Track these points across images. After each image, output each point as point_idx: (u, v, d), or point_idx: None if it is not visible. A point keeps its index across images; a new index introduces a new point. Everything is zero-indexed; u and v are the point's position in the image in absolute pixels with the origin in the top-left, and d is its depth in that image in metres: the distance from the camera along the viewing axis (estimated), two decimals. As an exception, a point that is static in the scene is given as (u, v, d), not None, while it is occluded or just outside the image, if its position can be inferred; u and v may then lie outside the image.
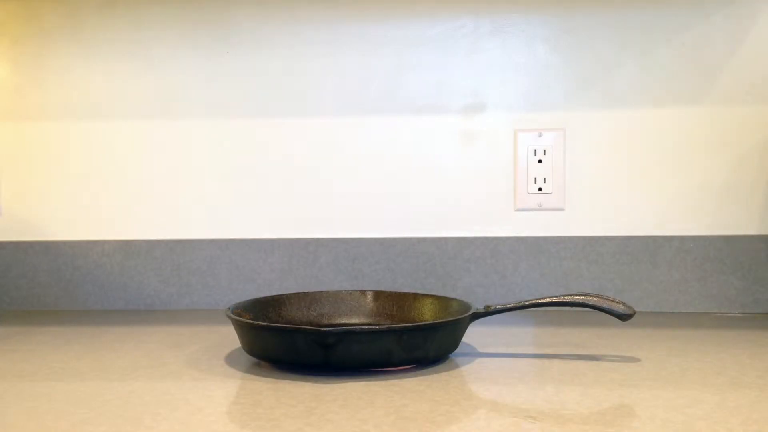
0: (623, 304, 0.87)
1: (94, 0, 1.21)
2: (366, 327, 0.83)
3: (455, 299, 0.95)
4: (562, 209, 1.18)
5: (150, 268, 1.22)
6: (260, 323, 0.85)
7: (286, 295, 1.00)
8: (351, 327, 0.82)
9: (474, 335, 0.96)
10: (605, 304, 0.87)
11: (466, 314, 0.86)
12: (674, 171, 1.16)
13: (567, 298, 0.88)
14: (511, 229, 1.18)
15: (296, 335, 0.79)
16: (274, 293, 1.18)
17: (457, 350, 0.88)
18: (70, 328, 1.08)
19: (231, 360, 0.87)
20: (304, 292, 1.01)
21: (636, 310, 0.87)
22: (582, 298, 0.88)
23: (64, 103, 1.23)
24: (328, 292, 1.01)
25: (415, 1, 1.18)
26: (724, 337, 0.97)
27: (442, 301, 0.96)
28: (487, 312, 0.89)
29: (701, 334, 0.99)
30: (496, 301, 1.16)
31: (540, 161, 1.17)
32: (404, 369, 0.81)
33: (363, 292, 1.01)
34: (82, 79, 1.22)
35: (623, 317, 0.86)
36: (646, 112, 1.16)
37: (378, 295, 1.00)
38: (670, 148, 1.16)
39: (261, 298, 0.97)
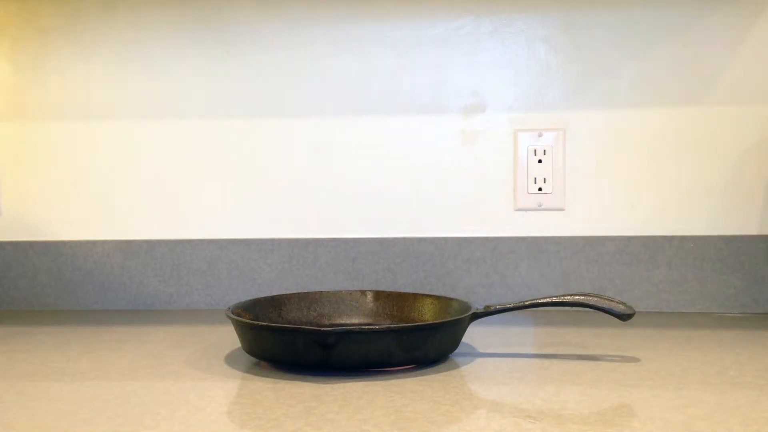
0: (623, 304, 0.87)
1: (94, 0, 1.21)
2: (366, 327, 0.83)
3: (455, 299, 0.95)
4: (562, 209, 1.18)
5: (150, 268, 1.22)
6: (260, 323, 0.85)
7: (286, 295, 1.00)
8: (351, 327, 0.82)
9: (474, 335, 0.96)
10: (605, 304, 0.87)
11: (466, 314, 0.86)
12: (674, 171, 1.16)
13: (567, 298, 0.88)
14: (511, 229, 1.18)
15: (296, 335, 0.79)
16: (274, 293, 1.18)
17: (457, 350, 0.88)
18: (70, 328, 1.08)
19: (231, 360, 0.87)
20: (304, 292, 1.01)
21: (636, 310, 0.87)
22: (582, 298, 0.88)
23: (64, 103, 1.23)
24: (328, 292, 1.01)
25: (415, 1, 1.18)
26: (724, 337, 0.97)
27: (442, 301, 0.96)
28: (487, 312, 0.89)
29: (701, 334, 0.99)
30: (496, 301, 1.16)
31: (540, 161, 1.17)
32: (404, 369, 0.81)
33: (363, 292, 1.01)
34: (82, 79, 1.22)
35: (623, 317, 0.86)
36: (646, 112, 1.16)
37: (378, 295, 1.00)
38: (670, 148, 1.16)
39: (261, 298, 0.97)
